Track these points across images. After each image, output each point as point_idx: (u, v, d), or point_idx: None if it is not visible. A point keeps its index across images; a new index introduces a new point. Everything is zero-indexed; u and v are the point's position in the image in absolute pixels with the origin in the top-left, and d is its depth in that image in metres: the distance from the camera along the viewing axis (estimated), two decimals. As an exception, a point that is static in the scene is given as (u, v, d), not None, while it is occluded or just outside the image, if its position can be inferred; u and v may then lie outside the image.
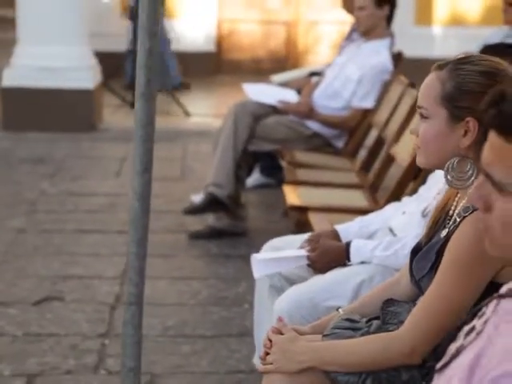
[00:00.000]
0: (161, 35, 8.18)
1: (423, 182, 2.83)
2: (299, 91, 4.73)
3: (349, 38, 4.90)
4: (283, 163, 4.35)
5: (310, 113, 4.41)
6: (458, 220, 1.75)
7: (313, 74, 5.14)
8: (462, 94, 1.78)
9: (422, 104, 1.84)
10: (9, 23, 8.81)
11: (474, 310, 1.19)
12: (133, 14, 8.06)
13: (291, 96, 4.66)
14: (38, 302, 3.56)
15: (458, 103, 1.79)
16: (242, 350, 3.17)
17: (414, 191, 2.89)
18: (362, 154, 4.41)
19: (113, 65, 7.49)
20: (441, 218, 1.85)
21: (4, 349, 3.16)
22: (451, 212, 1.82)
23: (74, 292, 3.69)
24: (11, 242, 4.31)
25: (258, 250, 2.77)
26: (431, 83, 1.83)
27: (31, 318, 3.42)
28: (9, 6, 8.83)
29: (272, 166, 5.07)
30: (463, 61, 1.81)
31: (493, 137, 1.12)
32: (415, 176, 3.31)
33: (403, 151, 3.59)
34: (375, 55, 4.36)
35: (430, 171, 2.65)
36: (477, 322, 1.14)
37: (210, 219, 4.43)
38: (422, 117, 1.85)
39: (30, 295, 3.63)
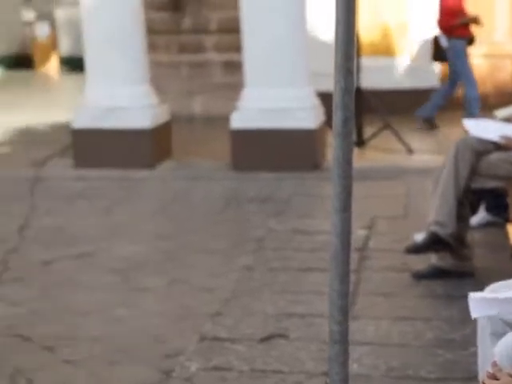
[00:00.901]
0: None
1: None
2: (524, 126, 4.58)
3: None
4: (509, 201, 4.23)
5: (535, 149, 4.26)
6: None
7: (540, 108, 4.97)
8: None
9: None
10: (235, 67, 9.23)
11: None
12: (442, 55, 8.30)
13: (515, 131, 4.51)
14: (263, 339, 3.68)
15: None
16: (468, 395, 3.10)
17: None
18: None
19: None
20: None
21: (232, 384, 3.30)
22: None
23: (298, 330, 3.77)
24: (239, 279, 4.49)
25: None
26: None
27: (257, 354, 3.54)
28: (235, 50, 9.26)
29: (498, 204, 4.93)
30: None
31: None
32: None
33: None
34: None
35: None
36: None
37: (433, 258, 4.38)
38: None
39: (256, 332, 3.75)
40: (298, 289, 4.30)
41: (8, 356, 3.63)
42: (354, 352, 3.38)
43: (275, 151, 6.85)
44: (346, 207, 2.13)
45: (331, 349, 2.17)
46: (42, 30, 15.26)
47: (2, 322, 4.01)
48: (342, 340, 2.16)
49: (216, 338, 3.70)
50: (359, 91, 7.34)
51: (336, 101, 2.08)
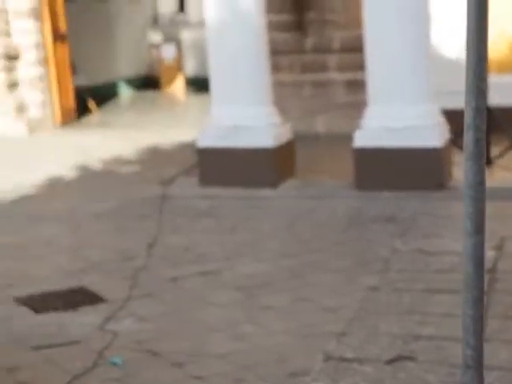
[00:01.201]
0: None
1: None
2: None
3: None
4: None
5: None
6: None
7: None
8: None
9: None
10: (357, 86, 9.20)
11: None
12: None
13: None
14: (390, 361, 3.62)
15: None
16: None
17: None
18: None
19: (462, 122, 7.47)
20: None
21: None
22: None
23: (427, 352, 3.69)
24: (364, 299, 4.44)
25: None
26: None
27: (384, 376, 3.48)
28: (357, 69, 9.24)
29: None
30: None
31: None
32: None
33: None
34: None
35: None
36: None
37: None
38: None
39: (383, 353, 3.70)
40: (425, 310, 4.22)
41: (138, 371, 3.71)
42: (486, 377, 3.27)
43: (399, 170, 6.77)
44: (478, 229, 2.07)
45: (464, 374, 2.12)
46: (168, 52, 15.64)
47: (132, 337, 4.10)
48: (476, 366, 2.11)
49: (342, 359, 3.67)
50: (487, 109, 7.17)
51: (467, 121, 2.04)
